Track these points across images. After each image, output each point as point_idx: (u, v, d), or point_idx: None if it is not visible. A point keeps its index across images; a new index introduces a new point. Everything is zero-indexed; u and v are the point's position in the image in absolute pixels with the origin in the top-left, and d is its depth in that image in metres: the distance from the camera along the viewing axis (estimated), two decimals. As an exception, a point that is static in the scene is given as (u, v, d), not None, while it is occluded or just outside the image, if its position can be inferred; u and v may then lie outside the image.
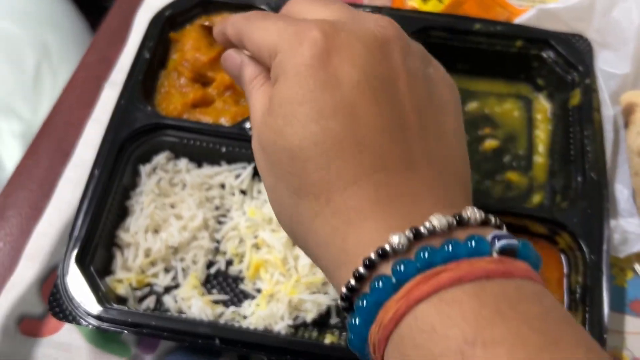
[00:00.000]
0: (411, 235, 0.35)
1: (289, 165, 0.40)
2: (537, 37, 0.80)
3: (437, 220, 0.35)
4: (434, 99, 0.44)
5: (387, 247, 0.35)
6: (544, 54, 0.81)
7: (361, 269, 0.35)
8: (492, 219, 0.38)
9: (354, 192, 0.38)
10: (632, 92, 0.76)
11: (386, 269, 0.35)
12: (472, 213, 0.37)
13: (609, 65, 0.78)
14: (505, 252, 0.35)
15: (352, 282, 0.36)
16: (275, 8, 0.82)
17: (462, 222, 0.36)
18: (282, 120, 0.40)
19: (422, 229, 0.35)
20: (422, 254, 0.34)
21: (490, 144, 0.81)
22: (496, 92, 0.85)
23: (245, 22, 0.47)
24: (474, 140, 0.82)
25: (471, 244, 0.34)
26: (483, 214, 0.38)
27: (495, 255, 0.34)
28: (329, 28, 0.40)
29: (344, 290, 0.36)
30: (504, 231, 0.38)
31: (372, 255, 0.35)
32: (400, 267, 0.34)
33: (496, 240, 0.35)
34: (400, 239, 0.35)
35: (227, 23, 0.50)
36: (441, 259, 0.34)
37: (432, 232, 0.35)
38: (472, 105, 0.84)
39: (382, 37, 0.42)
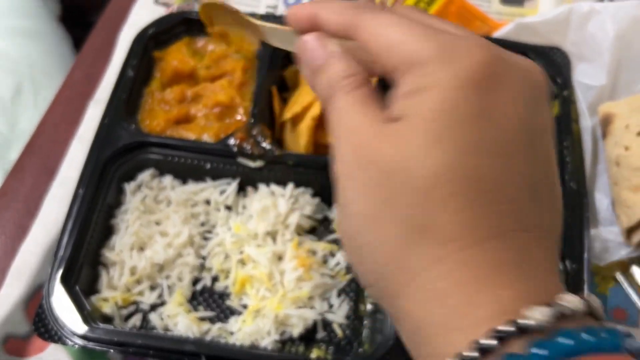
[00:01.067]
0: (556, 314, 0.30)
1: (413, 196, 0.33)
2: (516, 50, 0.81)
3: (575, 301, 0.31)
4: None
5: (529, 322, 0.29)
6: (523, 67, 0.82)
7: (487, 341, 0.29)
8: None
9: (491, 247, 0.32)
10: (609, 103, 0.78)
11: (517, 346, 0.29)
12: (591, 298, 0.32)
13: (586, 77, 0.80)
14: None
15: (470, 353, 0.29)
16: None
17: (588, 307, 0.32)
18: (422, 139, 0.33)
19: (566, 308, 0.30)
20: (566, 339, 0.29)
21: (472, 156, 0.82)
22: (477, 105, 0.87)
23: (364, 12, 0.39)
24: (456, 153, 0.83)
25: (611, 337, 0.30)
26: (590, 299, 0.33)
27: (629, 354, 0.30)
28: (494, 51, 0.35)
29: None
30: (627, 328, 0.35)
31: (505, 327, 0.29)
32: (542, 350, 0.28)
33: (627, 338, 0.31)
34: (543, 316, 0.29)
35: (324, 6, 0.41)
36: (584, 347, 0.29)
37: (572, 313, 0.30)
38: (454, 118, 0.86)
39: (539, 80, 0.37)
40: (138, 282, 0.71)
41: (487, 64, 0.34)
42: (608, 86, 0.79)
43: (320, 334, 0.69)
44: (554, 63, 0.80)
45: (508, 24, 0.84)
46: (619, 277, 0.73)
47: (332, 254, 0.75)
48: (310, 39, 0.41)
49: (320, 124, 0.77)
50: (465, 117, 0.33)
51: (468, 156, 0.33)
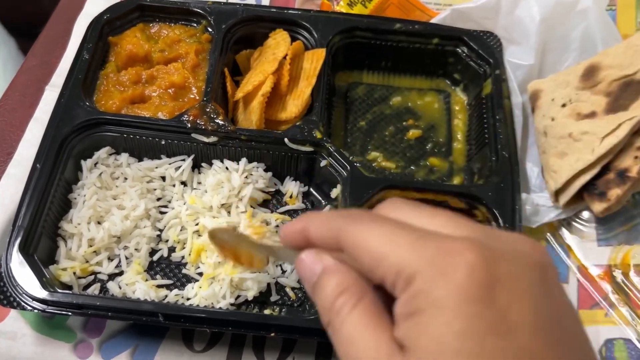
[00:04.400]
0: None
1: None
2: (451, 35, 0.88)
3: None
4: None
5: None
6: (459, 50, 0.89)
7: None
8: None
9: None
10: (537, 80, 0.84)
11: None
12: None
13: (516, 58, 0.86)
14: None
15: None
16: (212, 12, 0.88)
17: None
18: None
19: None
20: None
21: (413, 133, 0.88)
22: (417, 87, 0.93)
23: (349, 223, 0.38)
24: (398, 131, 0.88)
25: None
26: None
27: None
28: (486, 252, 0.34)
29: None
30: None
31: None
32: None
33: None
34: None
35: (312, 220, 0.41)
36: None
37: None
38: (396, 99, 0.91)
39: (542, 263, 0.35)
40: (96, 253, 0.74)
41: (481, 271, 0.33)
42: (536, 65, 0.86)
43: (274, 297, 0.73)
44: (486, 46, 0.87)
45: (444, 11, 0.90)
46: (549, 237, 0.79)
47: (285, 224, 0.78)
48: (304, 255, 0.41)
49: (270, 101, 0.81)
50: (477, 339, 0.32)
51: None
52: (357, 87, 0.93)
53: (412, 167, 0.86)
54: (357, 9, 0.97)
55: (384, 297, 0.37)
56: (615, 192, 0.72)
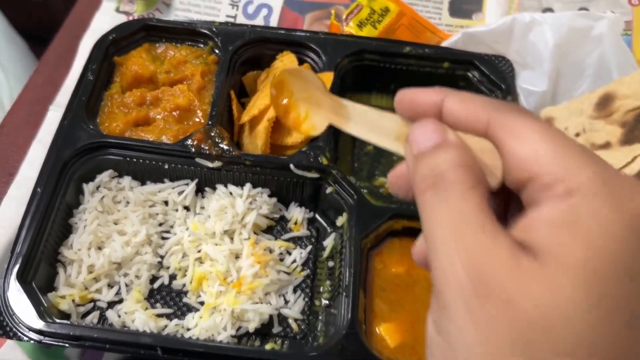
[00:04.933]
0: None
1: (551, 357, 0.28)
2: (462, 59, 0.86)
3: None
4: None
5: None
6: (470, 74, 0.87)
7: None
8: None
9: None
10: (550, 107, 0.82)
11: None
12: None
13: (528, 83, 0.84)
14: None
15: None
16: (219, 33, 0.86)
17: None
18: (576, 294, 0.28)
19: None
20: None
21: (423, 158, 0.86)
22: (428, 111, 0.91)
23: (501, 110, 0.34)
24: (408, 156, 0.86)
25: None
26: None
27: None
28: None
29: None
30: None
31: None
32: None
33: None
34: None
35: (452, 94, 0.36)
36: None
37: None
38: (406, 123, 0.89)
39: None
40: (96, 280, 0.72)
41: None
42: (549, 92, 0.84)
43: (276, 328, 0.71)
44: (498, 70, 0.85)
45: (455, 34, 0.88)
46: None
47: (289, 252, 0.77)
48: (428, 122, 0.35)
49: (276, 125, 0.80)
50: (632, 278, 0.28)
51: (629, 331, 0.27)
52: (365, 110, 0.91)
53: (420, 194, 0.84)
54: (367, 30, 0.95)
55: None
56: (630, 227, 0.69)
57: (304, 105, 0.48)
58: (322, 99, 0.46)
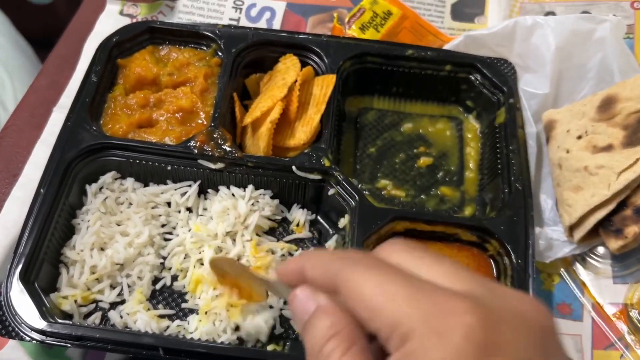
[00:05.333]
0: None
1: None
2: (464, 62, 0.86)
3: None
4: None
5: None
6: (472, 77, 0.87)
7: None
8: None
9: None
10: (552, 110, 0.83)
11: None
12: None
13: (530, 86, 0.84)
14: None
15: None
16: (222, 36, 0.87)
17: None
18: None
19: None
20: None
21: (424, 161, 0.86)
22: (429, 114, 0.91)
23: (346, 267, 0.38)
24: (409, 158, 0.87)
25: None
26: None
27: None
28: (485, 314, 0.33)
29: None
30: None
31: None
32: None
33: None
34: None
35: (309, 260, 0.41)
36: None
37: None
38: (407, 126, 0.89)
39: (544, 328, 0.35)
40: (98, 280, 0.72)
41: (479, 335, 0.32)
42: (551, 94, 0.84)
43: (278, 330, 0.71)
44: (500, 73, 0.85)
45: (457, 37, 0.89)
46: (563, 273, 0.77)
47: (291, 254, 0.77)
48: (299, 291, 0.40)
49: (279, 127, 0.80)
50: None
51: None
52: (367, 113, 0.91)
53: (422, 196, 0.84)
54: (369, 33, 0.95)
55: (376, 345, 0.36)
56: (632, 230, 0.69)
57: (244, 282, 0.63)
58: (249, 276, 0.60)
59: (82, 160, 0.76)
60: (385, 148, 0.88)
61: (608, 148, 0.74)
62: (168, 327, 0.70)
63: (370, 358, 0.36)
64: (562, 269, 0.77)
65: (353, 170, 0.86)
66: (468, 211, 0.82)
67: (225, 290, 0.68)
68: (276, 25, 0.99)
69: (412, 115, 0.91)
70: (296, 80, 0.80)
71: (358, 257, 0.38)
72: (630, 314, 0.72)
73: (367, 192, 0.83)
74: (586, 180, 0.73)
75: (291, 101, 0.80)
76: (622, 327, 0.72)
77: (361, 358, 0.35)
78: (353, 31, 0.96)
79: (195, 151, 0.76)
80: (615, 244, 0.71)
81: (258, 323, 0.69)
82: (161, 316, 0.71)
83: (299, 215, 0.79)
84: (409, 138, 0.89)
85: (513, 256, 0.71)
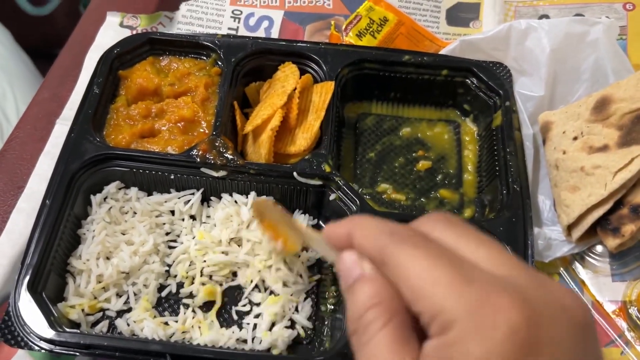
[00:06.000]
0: None
1: None
2: (460, 66, 0.88)
3: None
4: None
5: None
6: (468, 81, 0.88)
7: None
8: None
9: None
10: (548, 112, 0.84)
11: None
12: None
13: (526, 89, 0.86)
14: None
15: None
16: (222, 45, 0.88)
17: None
18: None
19: None
20: None
21: (423, 164, 0.87)
22: (427, 118, 0.92)
23: (394, 243, 0.38)
24: (408, 162, 0.88)
25: None
26: None
27: None
28: (529, 310, 0.33)
29: None
30: None
31: None
32: None
33: None
34: None
35: (360, 227, 0.42)
36: None
37: None
38: (406, 130, 0.91)
39: (585, 323, 0.35)
40: (104, 289, 0.73)
41: (522, 333, 0.32)
42: (547, 97, 0.85)
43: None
44: (496, 77, 0.86)
45: (453, 42, 0.90)
46: (563, 272, 0.78)
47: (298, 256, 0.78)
48: (347, 256, 0.41)
49: (279, 134, 0.81)
50: None
51: None
52: (366, 118, 0.92)
53: (422, 199, 0.85)
54: (366, 40, 0.97)
55: (415, 320, 0.36)
56: (629, 228, 0.71)
57: (282, 228, 0.64)
58: (290, 224, 0.61)
59: (87, 171, 0.77)
60: (384, 153, 0.89)
61: (604, 148, 0.75)
62: (174, 333, 0.71)
63: (410, 334, 0.36)
64: (561, 268, 0.78)
65: (353, 175, 0.87)
66: (467, 213, 0.83)
67: (265, 233, 0.69)
68: (274, 33, 1.00)
69: (411, 119, 0.92)
70: (295, 88, 0.82)
71: (407, 234, 0.38)
72: (630, 311, 0.73)
73: (367, 197, 0.84)
74: (583, 180, 0.74)
75: (291, 108, 0.81)
76: (622, 324, 0.73)
77: (400, 332, 0.36)
78: (350, 38, 0.97)
79: (198, 160, 0.77)
80: (612, 242, 0.72)
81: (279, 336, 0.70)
82: (167, 323, 0.72)
83: (300, 221, 0.81)
84: (408, 142, 0.90)
85: (513, 256, 0.72)
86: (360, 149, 0.89)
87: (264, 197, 0.75)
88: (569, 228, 0.76)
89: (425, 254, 0.36)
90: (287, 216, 0.62)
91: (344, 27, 0.98)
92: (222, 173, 0.78)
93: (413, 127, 0.91)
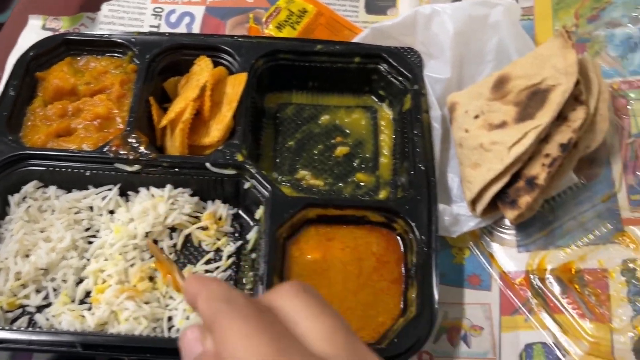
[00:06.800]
0: None
1: None
2: (372, 53, 0.90)
3: None
4: None
5: None
6: (380, 67, 0.91)
7: None
8: None
9: None
10: (454, 93, 0.87)
11: None
12: None
13: (434, 72, 0.88)
14: None
15: None
16: (137, 43, 0.90)
17: None
18: None
19: None
20: None
21: (341, 150, 0.90)
22: (346, 105, 0.94)
23: (223, 310, 0.39)
24: (327, 149, 0.90)
25: None
26: None
27: None
28: None
29: None
30: None
31: None
32: None
33: None
34: None
35: (205, 290, 0.42)
36: None
37: None
38: (325, 118, 0.93)
39: None
40: (24, 286, 0.75)
41: None
42: (454, 78, 0.88)
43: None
44: (405, 61, 0.89)
45: (364, 30, 0.92)
46: (472, 246, 0.81)
47: (220, 250, 0.80)
48: (189, 332, 0.42)
49: (195, 127, 0.83)
50: None
51: None
52: (286, 108, 0.94)
53: (340, 184, 0.87)
54: (286, 32, 0.99)
55: None
56: (525, 200, 0.74)
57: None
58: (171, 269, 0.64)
59: (2, 172, 0.79)
60: (304, 140, 0.91)
61: (502, 125, 0.78)
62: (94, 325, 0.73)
63: None
64: (471, 242, 0.81)
65: (273, 164, 0.89)
66: (383, 194, 0.86)
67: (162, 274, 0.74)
68: (195, 29, 1.02)
69: (330, 107, 0.95)
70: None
71: (242, 304, 0.39)
72: (532, 279, 0.77)
73: (287, 184, 0.86)
74: (482, 156, 0.77)
75: (204, 101, 0.83)
76: (526, 293, 0.76)
77: None
78: (270, 30, 0.99)
79: (111, 155, 0.79)
80: (511, 214, 0.75)
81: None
82: (84, 316, 0.74)
83: (220, 210, 0.83)
84: (327, 129, 0.92)
85: (417, 232, 0.75)
86: (280, 138, 0.92)
87: (151, 241, 0.78)
88: (473, 203, 0.79)
89: (249, 326, 0.37)
90: (168, 261, 0.66)
91: (264, 19, 1.00)
92: (136, 167, 0.79)
93: (332, 115, 0.94)
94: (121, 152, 0.79)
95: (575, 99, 0.76)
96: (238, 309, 0.38)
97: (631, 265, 0.75)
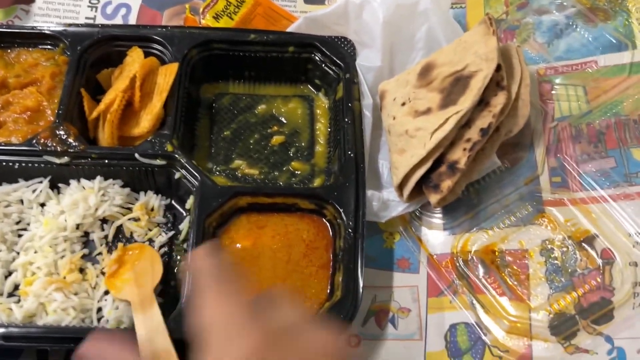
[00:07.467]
0: None
1: None
2: (305, 42, 0.91)
3: None
4: None
5: None
6: (314, 56, 0.91)
7: None
8: None
9: None
10: (385, 81, 0.88)
11: None
12: None
13: (366, 61, 0.89)
14: None
15: None
16: (68, 35, 0.89)
17: None
18: None
19: None
20: None
21: (277, 139, 0.91)
22: (283, 94, 0.95)
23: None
24: (263, 138, 0.91)
25: None
26: None
27: None
28: None
29: None
30: None
31: None
32: None
33: None
34: None
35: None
36: None
37: None
38: (262, 107, 0.94)
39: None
40: (-51, 281, 0.75)
41: None
42: (386, 67, 0.89)
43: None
44: (337, 51, 0.90)
45: (298, 20, 0.93)
46: (402, 231, 0.82)
47: (152, 240, 0.80)
48: None
49: (126, 118, 0.83)
50: None
51: None
52: (223, 98, 0.95)
53: (275, 173, 0.88)
54: (224, 22, 0.99)
55: None
56: (447, 184, 0.75)
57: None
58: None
59: None
60: (240, 130, 0.92)
61: (427, 111, 0.79)
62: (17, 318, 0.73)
63: None
64: (400, 227, 0.83)
65: (208, 153, 0.89)
66: (317, 182, 0.87)
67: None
68: (132, 20, 1.02)
69: (267, 97, 0.95)
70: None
71: None
72: (456, 261, 0.78)
73: (222, 174, 0.87)
74: (407, 142, 0.78)
75: (134, 92, 0.83)
76: (452, 275, 0.78)
77: None
78: (207, 21, 0.99)
79: (39, 147, 0.79)
80: (434, 198, 0.77)
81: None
82: (11, 309, 0.74)
83: (152, 201, 0.83)
84: (263, 119, 0.93)
85: (345, 218, 0.76)
86: (216, 128, 0.92)
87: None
88: (400, 188, 0.80)
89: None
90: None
91: (201, 9, 1.00)
92: (65, 159, 0.79)
93: (268, 104, 0.94)
94: (49, 144, 0.79)
95: (497, 84, 0.78)
96: None
97: (549, 245, 0.77)
